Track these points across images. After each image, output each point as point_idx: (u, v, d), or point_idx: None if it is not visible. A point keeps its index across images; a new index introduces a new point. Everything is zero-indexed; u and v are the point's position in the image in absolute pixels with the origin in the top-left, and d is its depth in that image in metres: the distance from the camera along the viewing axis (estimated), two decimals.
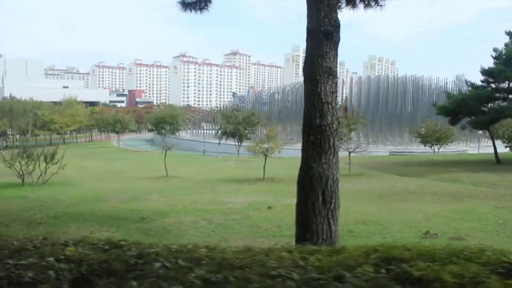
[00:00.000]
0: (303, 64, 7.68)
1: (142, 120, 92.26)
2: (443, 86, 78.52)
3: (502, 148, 58.65)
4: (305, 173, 7.73)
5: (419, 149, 58.40)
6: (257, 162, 40.06)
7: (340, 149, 35.28)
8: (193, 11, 9.50)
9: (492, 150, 55.43)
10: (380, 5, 9.98)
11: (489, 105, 30.38)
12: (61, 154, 26.29)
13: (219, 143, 51.32)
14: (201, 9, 9.49)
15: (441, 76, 78.55)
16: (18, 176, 25.21)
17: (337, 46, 7.54)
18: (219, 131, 52.37)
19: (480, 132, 54.92)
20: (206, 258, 3.04)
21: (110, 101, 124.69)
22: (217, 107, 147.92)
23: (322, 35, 7.19)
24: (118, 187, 23.83)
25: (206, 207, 16.89)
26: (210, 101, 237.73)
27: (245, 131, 49.59)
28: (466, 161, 35.49)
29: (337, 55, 7.49)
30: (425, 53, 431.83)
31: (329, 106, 7.50)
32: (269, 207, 16.72)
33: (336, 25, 7.32)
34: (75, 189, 23.39)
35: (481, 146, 60.19)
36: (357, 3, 9.74)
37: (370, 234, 12.73)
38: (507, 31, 29.14)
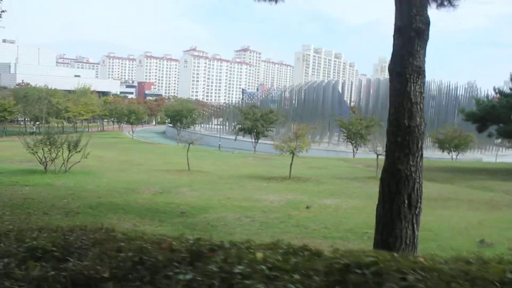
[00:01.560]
0: (389, 62, 7.28)
1: (153, 112, 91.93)
2: (453, 92, 77.99)
3: None
4: (391, 175, 7.37)
5: (433, 155, 57.83)
6: (277, 160, 39.64)
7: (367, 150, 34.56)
8: (267, 1, 9.01)
9: (510, 159, 55.01)
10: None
11: None
12: (84, 143, 25.86)
13: (235, 139, 50.87)
14: (276, 0, 9.00)
15: (452, 81, 77.71)
16: (40, 163, 24.80)
17: (426, 45, 7.23)
18: (236, 127, 51.95)
19: (499, 140, 54.46)
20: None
21: (121, 92, 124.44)
22: (225, 103, 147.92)
23: (414, 33, 6.88)
24: (143, 179, 23.36)
25: (242, 204, 16.43)
26: (219, 96, 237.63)
27: (263, 128, 49.14)
28: (490, 169, 34.85)
29: (425, 54, 7.15)
30: (436, 58, 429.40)
31: (418, 106, 7.21)
32: (307, 207, 16.24)
33: (427, 23, 6.99)
34: (99, 179, 22.93)
35: (498, 155, 59.62)
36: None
37: (423, 240, 12.08)
38: None
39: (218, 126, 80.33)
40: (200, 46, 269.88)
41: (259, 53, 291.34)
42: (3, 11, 12.21)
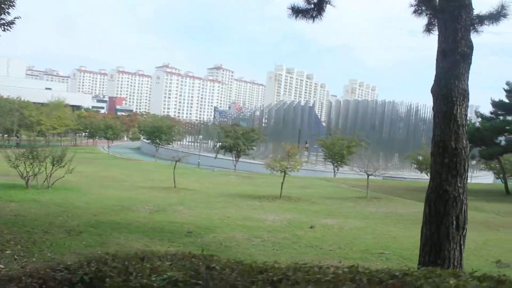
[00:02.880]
0: (433, 84, 7.39)
1: (127, 128, 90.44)
2: (424, 114, 79.99)
3: (490, 179, 59.76)
4: (439, 197, 7.40)
5: (410, 175, 58.85)
6: (260, 179, 39.41)
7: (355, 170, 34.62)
8: (304, 18, 8.88)
9: (486, 181, 56.36)
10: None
11: (501, 137, 30.62)
12: (69, 157, 24.90)
13: (216, 157, 50.36)
14: (313, 17, 8.87)
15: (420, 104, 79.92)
16: (22, 178, 23.68)
17: (469, 68, 7.32)
18: (217, 145, 51.53)
19: (474, 162, 55.74)
20: None
21: (92, 107, 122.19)
22: (200, 120, 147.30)
23: (459, 56, 6.99)
24: (131, 196, 22.61)
25: (245, 223, 15.99)
26: (190, 113, 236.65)
27: (244, 147, 48.87)
28: (471, 190, 35.44)
29: (468, 77, 7.21)
30: (404, 81, 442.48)
31: (464, 129, 7.29)
32: (311, 227, 15.96)
33: (471, 47, 7.14)
34: (85, 195, 22.03)
35: (473, 176, 60.98)
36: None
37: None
38: None
39: (192, 143, 79.81)
40: (173, 63, 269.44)
41: (232, 72, 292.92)
42: None
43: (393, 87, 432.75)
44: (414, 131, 78.26)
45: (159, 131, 58.33)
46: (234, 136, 48.49)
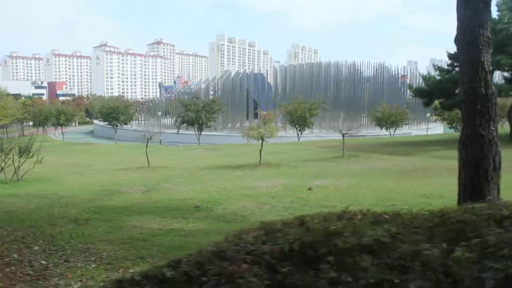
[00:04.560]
0: (456, 34, 7.46)
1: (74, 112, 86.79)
2: (371, 73, 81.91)
3: (441, 130, 62.66)
4: (475, 141, 7.54)
5: (368, 133, 60.47)
6: (228, 150, 39.31)
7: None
8: None
9: (438, 131, 58.91)
10: None
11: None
12: (37, 146, 23.65)
13: (178, 132, 49.51)
14: None
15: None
16: None
17: (490, 17, 7.64)
18: (178, 120, 50.54)
19: (428, 115, 58.11)
20: None
21: (33, 94, 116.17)
22: (142, 98, 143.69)
23: (482, 4, 7.08)
24: (110, 180, 21.83)
25: (243, 193, 15.86)
26: (135, 92, 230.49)
27: (206, 119, 48.26)
28: (434, 140, 37.08)
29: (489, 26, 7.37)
30: (344, 43, 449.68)
31: (491, 75, 7.81)
32: (309, 189, 16.07)
33: None
34: (63, 184, 21.02)
35: (423, 129, 63.65)
36: None
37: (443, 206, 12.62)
38: None
39: (147, 122, 78.04)
40: (111, 41, 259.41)
41: (173, 46, 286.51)
42: None
43: (334, 49, 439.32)
44: (358, 89, 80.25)
45: (116, 112, 56.33)
46: (195, 109, 47.76)
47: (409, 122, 52.60)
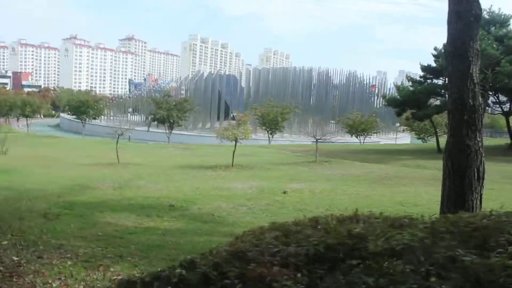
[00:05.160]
0: (446, 45, 7.81)
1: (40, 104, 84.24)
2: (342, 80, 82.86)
3: (408, 140, 63.97)
4: (461, 151, 7.69)
5: (338, 140, 61.01)
6: (199, 150, 38.90)
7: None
8: None
9: (404, 141, 60.13)
10: None
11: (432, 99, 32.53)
12: (2, 137, 22.76)
13: (148, 130, 48.70)
14: None
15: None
16: None
17: (479, 31, 7.91)
18: (149, 117, 49.72)
19: (398, 125, 59.26)
20: None
21: None
22: (111, 93, 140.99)
23: (473, 18, 7.25)
24: (80, 174, 21.10)
25: (218, 193, 15.66)
26: (103, 87, 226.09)
27: (178, 118, 47.66)
28: (403, 150, 37.73)
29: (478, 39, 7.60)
30: (316, 50, 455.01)
31: (479, 87, 7.68)
32: (284, 192, 16.00)
33: (481, 9, 7.51)
34: (31, 177, 20.18)
35: (391, 138, 64.84)
36: None
37: (419, 214, 12.74)
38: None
39: (115, 118, 76.56)
40: (81, 34, 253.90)
41: (145, 43, 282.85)
42: None
43: (305, 55, 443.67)
44: (329, 96, 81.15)
45: (85, 106, 54.77)
46: (167, 108, 47.07)
47: (379, 131, 53.32)
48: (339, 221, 3.21)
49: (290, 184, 18.36)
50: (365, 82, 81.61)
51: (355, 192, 16.64)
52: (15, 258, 6.59)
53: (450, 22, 7.41)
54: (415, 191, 16.92)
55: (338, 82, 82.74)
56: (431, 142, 52.36)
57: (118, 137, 27.51)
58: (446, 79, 31.92)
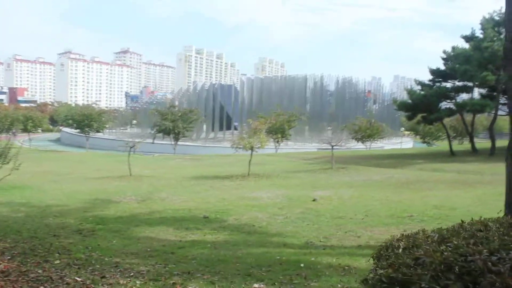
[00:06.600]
0: (505, 44, 7.56)
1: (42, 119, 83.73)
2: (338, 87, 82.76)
3: (410, 144, 63.74)
4: None
5: (342, 146, 60.71)
6: (209, 160, 38.51)
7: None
8: None
9: (407, 146, 59.91)
10: None
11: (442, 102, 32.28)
12: (14, 152, 22.18)
13: (153, 142, 48.25)
14: None
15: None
16: None
17: None
18: (154, 129, 49.31)
19: (403, 129, 59.06)
20: None
21: None
22: (107, 106, 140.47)
23: None
24: (95, 188, 20.68)
25: (247, 203, 15.23)
26: (100, 100, 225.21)
27: (183, 129, 47.27)
28: (415, 154, 37.44)
29: None
30: (311, 57, 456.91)
31: None
32: (314, 200, 15.61)
33: None
34: (45, 192, 19.81)
35: (394, 143, 64.56)
36: None
37: (462, 217, 12.36)
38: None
39: (117, 131, 76.29)
40: (76, 48, 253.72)
41: (140, 55, 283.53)
42: None
43: (300, 63, 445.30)
44: (325, 103, 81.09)
45: (89, 119, 54.27)
46: (172, 118, 46.68)
47: (385, 136, 53.11)
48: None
49: (316, 192, 17.97)
50: (361, 88, 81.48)
51: (384, 197, 16.24)
52: (78, 279, 6.15)
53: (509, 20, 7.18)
54: (443, 195, 16.56)
55: (333, 88, 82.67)
56: (436, 146, 52.29)
57: (130, 149, 27.05)
58: (455, 81, 32.04)
